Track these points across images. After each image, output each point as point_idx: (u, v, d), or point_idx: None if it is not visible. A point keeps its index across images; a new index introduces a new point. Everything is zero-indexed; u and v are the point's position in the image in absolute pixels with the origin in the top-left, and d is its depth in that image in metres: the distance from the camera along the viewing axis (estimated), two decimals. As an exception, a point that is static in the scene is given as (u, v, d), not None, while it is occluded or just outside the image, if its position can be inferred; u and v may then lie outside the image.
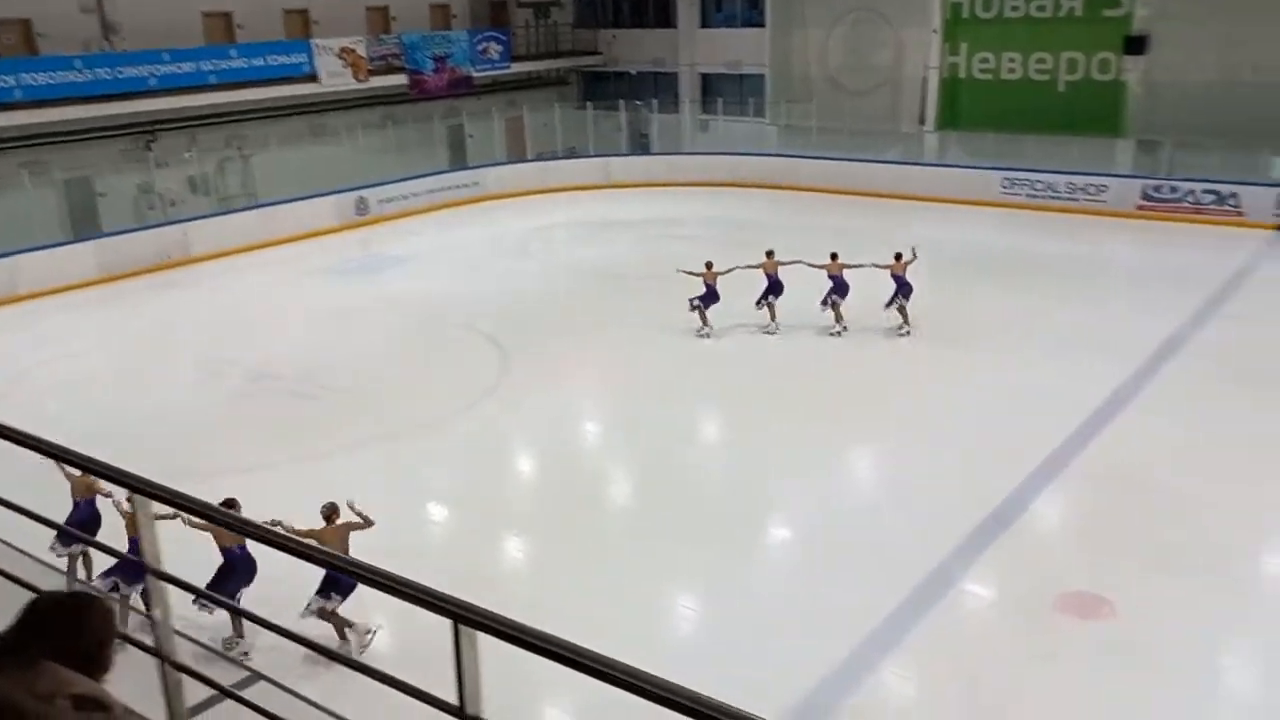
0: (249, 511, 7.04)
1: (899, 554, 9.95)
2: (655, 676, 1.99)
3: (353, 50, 28.16)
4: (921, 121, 29.78)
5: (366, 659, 8.12)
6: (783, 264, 16.67)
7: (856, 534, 10.43)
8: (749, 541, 10.60)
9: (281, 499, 9.34)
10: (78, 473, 8.43)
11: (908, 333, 16.38)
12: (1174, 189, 24.58)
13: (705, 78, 34.56)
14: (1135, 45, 25.71)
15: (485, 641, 2.16)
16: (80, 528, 8.37)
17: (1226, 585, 9.40)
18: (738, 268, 16.72)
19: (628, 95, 33.27)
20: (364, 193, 27.01)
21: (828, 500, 11.34)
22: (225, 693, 2.85)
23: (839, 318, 16.46)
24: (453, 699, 2.23)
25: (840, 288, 16.43)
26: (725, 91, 33.58)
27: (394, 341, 17.68)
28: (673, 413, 13.97)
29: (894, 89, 30.45)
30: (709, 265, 16.68)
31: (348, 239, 25.63)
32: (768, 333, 16.73)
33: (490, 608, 2.15)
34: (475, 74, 31.63)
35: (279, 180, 25.60)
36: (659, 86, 34.34)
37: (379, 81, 29.04)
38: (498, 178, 29.98)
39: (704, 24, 34.23)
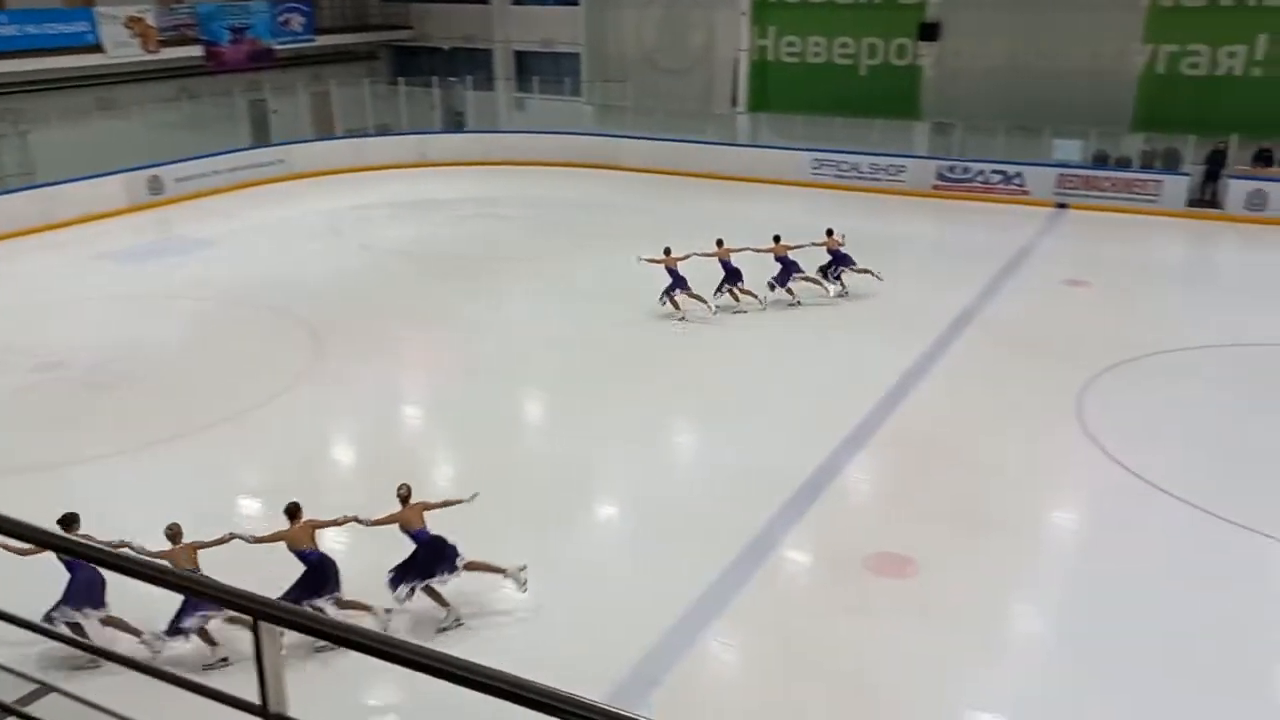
0: (36, 515, 6.53)
1: (721, 524, 10.22)
2: (472, 663, 1.92)
3: (141, 19, 26.39)
4: (734, 103, 30.47)
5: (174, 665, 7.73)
6: (734, 250, 16.94)
7: (679, 507, 10.65)
8: (575, 520, 10.65)
9: (78, 499, 8.75)
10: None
11: (845, 294, 17.47)
12: (966, 169, 26.10)
13: (519, 55, 34.25)
14: (929, 32, 27.11)
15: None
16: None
17: (1015, 541, 10.11)
18: (694, 254, 16.72)
19: (441, 72, 32.57)
20: (158, 171, 25.42)
21: (651, 476, 11.53)
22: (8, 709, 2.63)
23: (792, 292, 17.24)
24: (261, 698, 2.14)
25: (787, 268, 17.04)
26: (541, 70, 33.36)
27: (198, 328, 16.80)
28: (494, 394, 13.85)
29: (707, 70, 31.03)
30: (667, 251, 16.53)
31: (142, 220, 24.11)
32: (738, 312, 16.85)
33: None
34: (277, 47, 30.24)
35: (62, 159, 23.74)
36: (473, 63, 33.77)
37: (171, 53, 27.35)
38: (305, 156, 28.83)
39: (517, 1, 33.90)
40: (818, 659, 8.31)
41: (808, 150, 27.92)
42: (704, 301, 16.64)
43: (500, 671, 1.88)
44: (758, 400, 13.47)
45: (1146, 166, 25.21)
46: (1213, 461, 11.62)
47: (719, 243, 17.04)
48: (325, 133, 30.43)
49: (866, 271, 17.47)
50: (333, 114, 30.90)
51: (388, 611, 8.51)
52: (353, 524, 8.66)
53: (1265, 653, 8.43)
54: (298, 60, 31.30)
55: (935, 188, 26.23)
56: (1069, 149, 26.00)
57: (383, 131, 31.23)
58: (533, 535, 10.01)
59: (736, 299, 17.00)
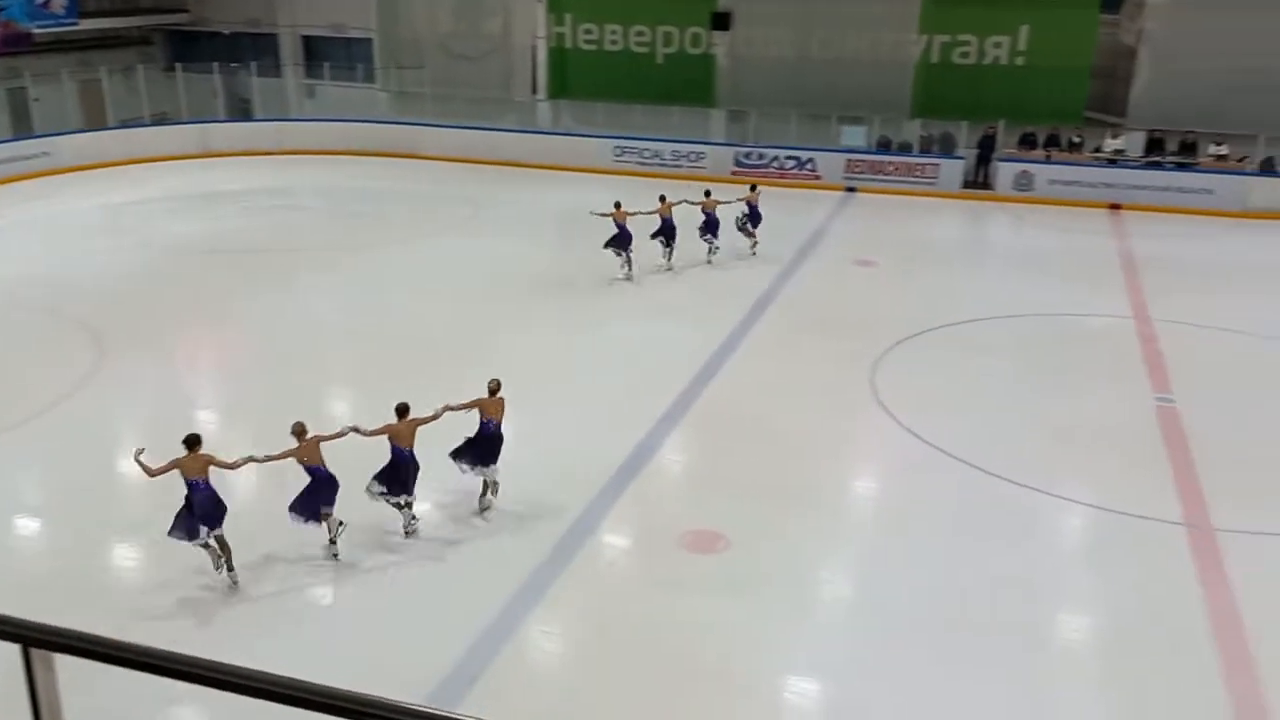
0: None
1: (541, 510, 10.19)
2: (279, 676, 1.78)
3: (-126, -3, 23.80)
4: (534, 90, 30.32)
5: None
6: (674, 204, 18.32)
7: (499, 495, 10.52)
8: (388, 514, 10.34)
9: None
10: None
11: (755, 253, 19.28)
12: (761, 155, 26.95)
13: (308, 40, 32.93)
14: (721, 21, 27.82)
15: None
16: (208, 507, 8.65)
17: (819, 510, 10.54)
18: (640, 213, 17.78)
19: (222, 57, 30.84)
20: (-98, 165, 23.08)
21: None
22: None
23: (714, 250, 18.96)
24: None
25: (711, 224, 18.66)
26: (332, 55, 32.19)
27: (-45, 336, 15.32)
28: (293, 390, 13.26)
29: (505, 57, 30.73)
30: (618, 205, 17.66)
31: (-117, 220, 21.80)
32: (666, 270, 18.29)
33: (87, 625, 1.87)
34: (35, 30, 27.90)
35: None
36: (258, 49, 32.17)
37: (-88, 35, 24.82)
38: (74, 148, 26.71)
39: (303, -17, 32.56)
40: (636, 638, 8.40)
41: (610, 138, 28.16)
42: (627, 265, 17.82)
43: (300, 681, 1.75)
44: (574, 381, 13.47)
45: (925, 151, 26.75)
46: (993, 425, 12.43)
47: (662, 199, 18.25)
48: (96, 123, 28.28)
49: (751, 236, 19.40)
50: (104, 103, 28.74)
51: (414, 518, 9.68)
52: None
53: (1048, 600, 9.09)
54: (60, 45, 28.98)
55: (734, 173, 26.91)
56: (855, 135, 27.29)
57: (160, 121, 29.38)
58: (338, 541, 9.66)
59: (668, 260, 18.48)
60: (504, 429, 10.13)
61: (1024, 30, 25.67)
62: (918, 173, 26.07)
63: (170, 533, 8.74)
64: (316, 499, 9.20)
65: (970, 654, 8.15)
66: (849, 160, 26.45)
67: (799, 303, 17.24)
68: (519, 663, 8.20)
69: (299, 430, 9.11)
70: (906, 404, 12.90)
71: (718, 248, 19.02)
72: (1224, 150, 24.76)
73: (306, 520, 9.23)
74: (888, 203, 25.06)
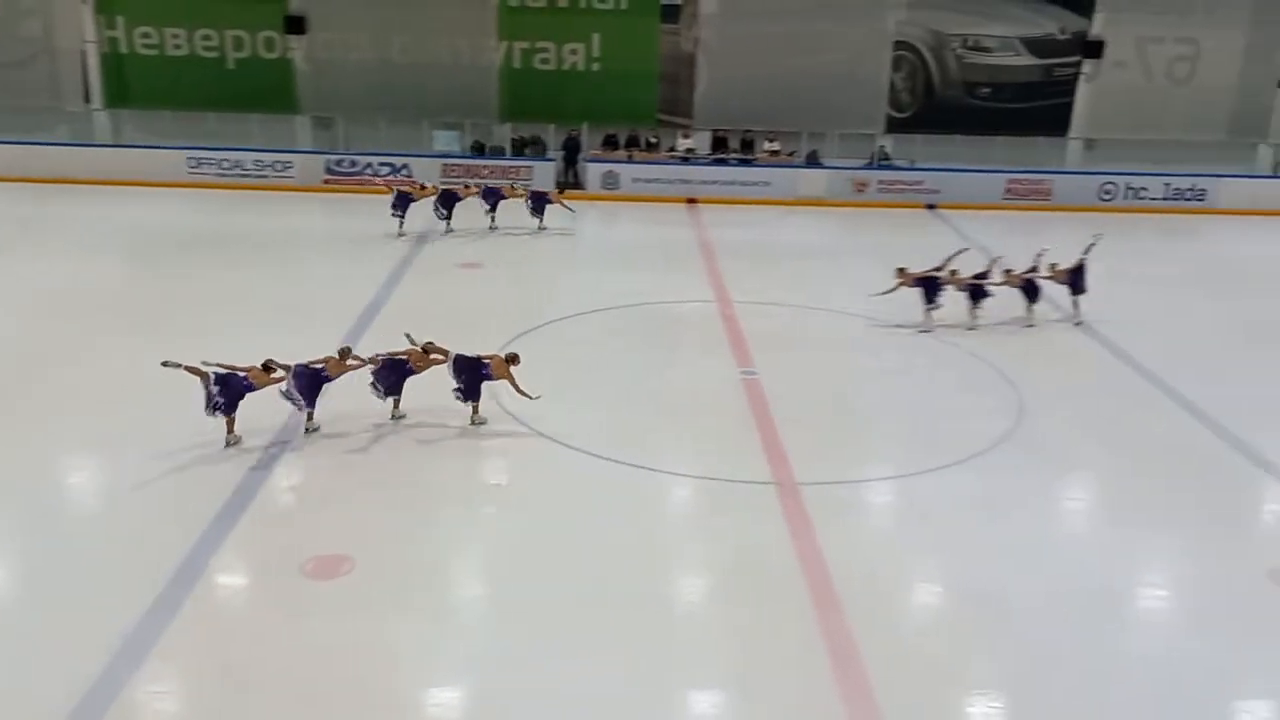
0: None
1: (143, 552, 9.26)
2: None
3: None
4: (87, 99, 27.36)
5: None
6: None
7: (87, 544, 9.40)
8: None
9: None
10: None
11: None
12: (354, 163, 26.29)
13: None
14: (295, 25, 26.65)
15: None
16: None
17: (444, 516, 10.51)
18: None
19: None
20: None
21: (48, 512, 9.99)
22: None
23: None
24: None
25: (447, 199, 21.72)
26: None
27: None
28: None
29: (50, 63, 27.43)
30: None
31: None
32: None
33: None
34: None
35: None
36: None
37: None
38: None
39: None
40: (264, 676, 7.87)
41: (182, 149, 26.16)
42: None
43: None
44: (161, 411, 12.30)
45: (518, 154, 27.48)
46: (601, 411, 13.03)
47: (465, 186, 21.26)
48: None
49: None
50: None
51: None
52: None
53: (664, 568, 9.69)
54: None
55: (326, 181, 26.08)
56: (448, 139, 27.47)
57: None
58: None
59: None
60: (82, 464, 9.05)
61: (596, 38, 27.10)
62: (512, 175, 26.68)
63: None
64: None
65: (603, 630, 8.50)
66: (445, 165, 26.52)
67: (406, 310, 17.00)
68: (129, 729, 7.40)
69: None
70: (519, 400, 13.16)
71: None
72: (776, 146, 27.80)
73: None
74: (475, 206, 25.35)
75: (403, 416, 12.42)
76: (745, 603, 9.09)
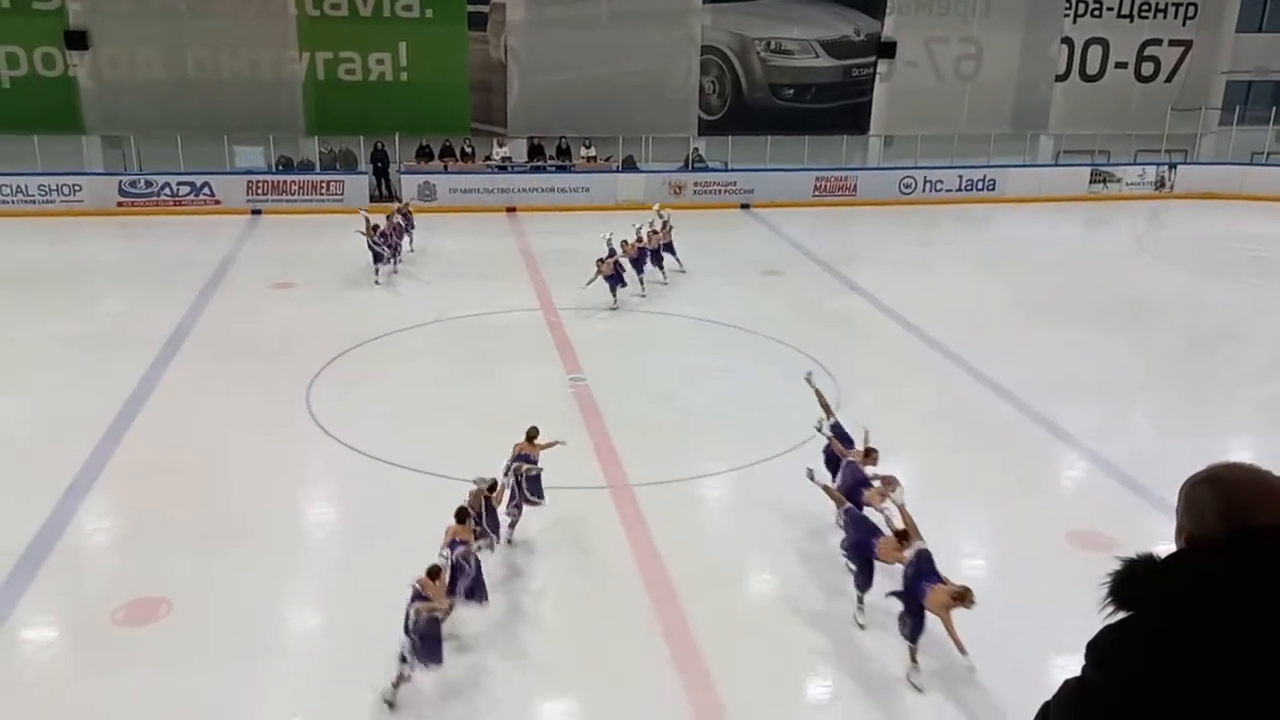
0: None
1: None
2: None
3: None
4: None
5: None
6: None
7: None
8: None
9: None
10: None
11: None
12: (149, 183, 24.94)
13: None
14: (76, 40, 25.03)
15: None
16: None
17: (271, 547, 10.05)
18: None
19: None
20: None
21: None
22: None
23: None
24: None
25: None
26: None
27: None
28: None
29: None
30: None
31: None
32: None
33: None
34: None
35: None
36: None
37: None
38: None
39: None
40: (78, 738, 7.38)
41: (-45, 176, 24.18)
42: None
43: None
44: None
45: (328, 168, 26.66)
46: (426, 425, 12.82)
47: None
48: None
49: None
50: None
51: None
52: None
53: (501, 579, 9.60)
54: None
55: (120, 204, 24.63)
56: (251, 155, 26.40)
57: None
58: None
59: None
60: None
61: (403, 47, 26.60)
62: (323, 190, 25.92)
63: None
64: None
65: (449, 640, 8.34)
66: (250, 181, 25.49)
67: (218, 334, 16.27)
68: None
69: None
70: (343, 421, 12.82)
71: None
72: (593, 152, 27.98)
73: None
74: (297, 222, 24.60)
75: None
76: (588, 600, 9.13)
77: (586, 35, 27.15)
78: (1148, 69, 30.92)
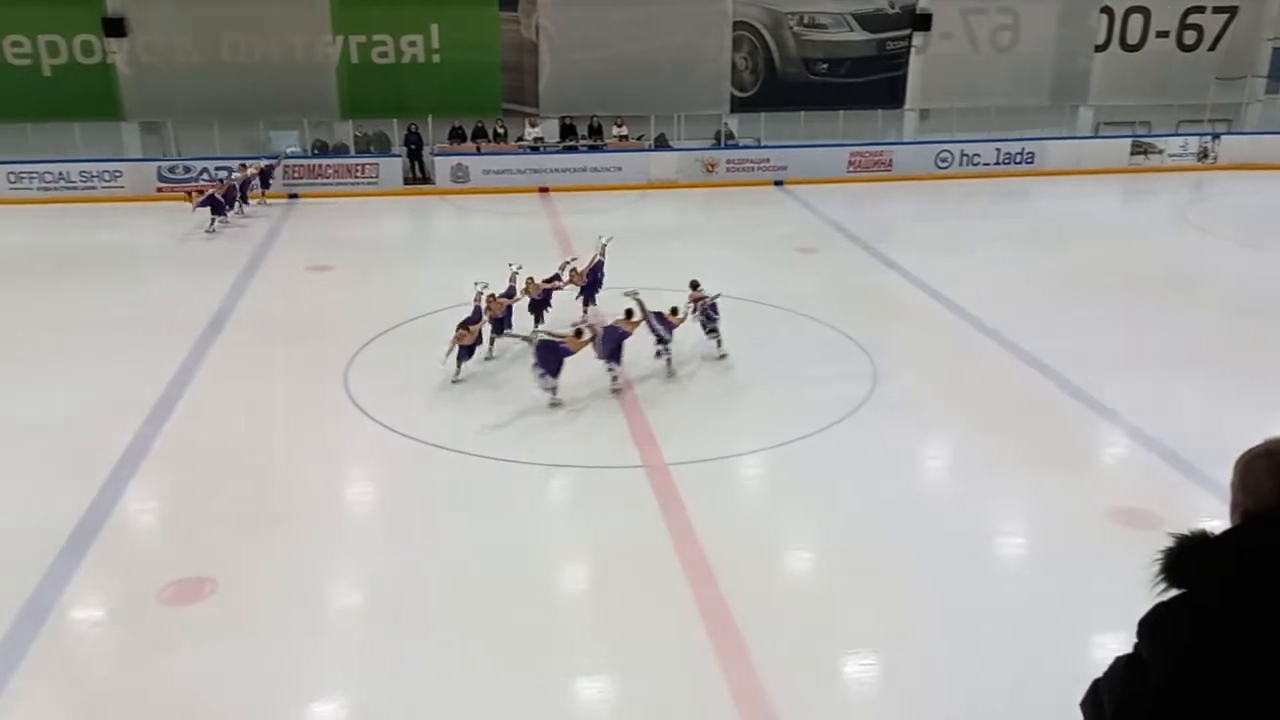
0: None
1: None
2: None
3: None
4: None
5: None
6: None
7: None
8: None
9: None
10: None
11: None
12: (188, 168, 25.19)
13: None
14: (114, 27, 25.27)
15: None
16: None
17: (313, 527, 10.16)
18: None
19: None
20: None
21: None
22: None
23: None
24: None
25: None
26: None
27: None
28: None
29: None
30: None
31: None
32: None
33: None
34: None
35: None
36: None
37: None
38: None
39: None
40: (130, 714, 7.53)
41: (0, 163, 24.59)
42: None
43: None
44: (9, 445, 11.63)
45: (362, 151, 26.81)
46: (464, 408, 12.89)
47: None
48: None
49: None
50: None
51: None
52: None
53: (543, 558, 9.66)
54: None
55: (160, 190, 24.89)
56: (287, 139, 26.57)
57: None
58: None
59: None
60: None
61: (435, 29, 26.60)
62: (358, 173, 26.06)
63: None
64: None
65: (484, 628, 8.41)
66: (286, 166, 25.68)
67: (258, 316, 16.45)
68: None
69: None
70: (382, 401, 12.93)
71: None
72: (624, 131, 27.92)
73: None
74: (333, 205, 24.76)
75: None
76: (622, 587, 9.15)
77: (617, 12, 27.00)
78: (1190, 37, 30.22)
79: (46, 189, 24.69)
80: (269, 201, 24.22)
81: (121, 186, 24.87)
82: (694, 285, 15.14)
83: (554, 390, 12.83)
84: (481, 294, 14.30)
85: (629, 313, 13.61)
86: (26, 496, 10.56)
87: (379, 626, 8.61)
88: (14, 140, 24.98)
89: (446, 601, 8.79)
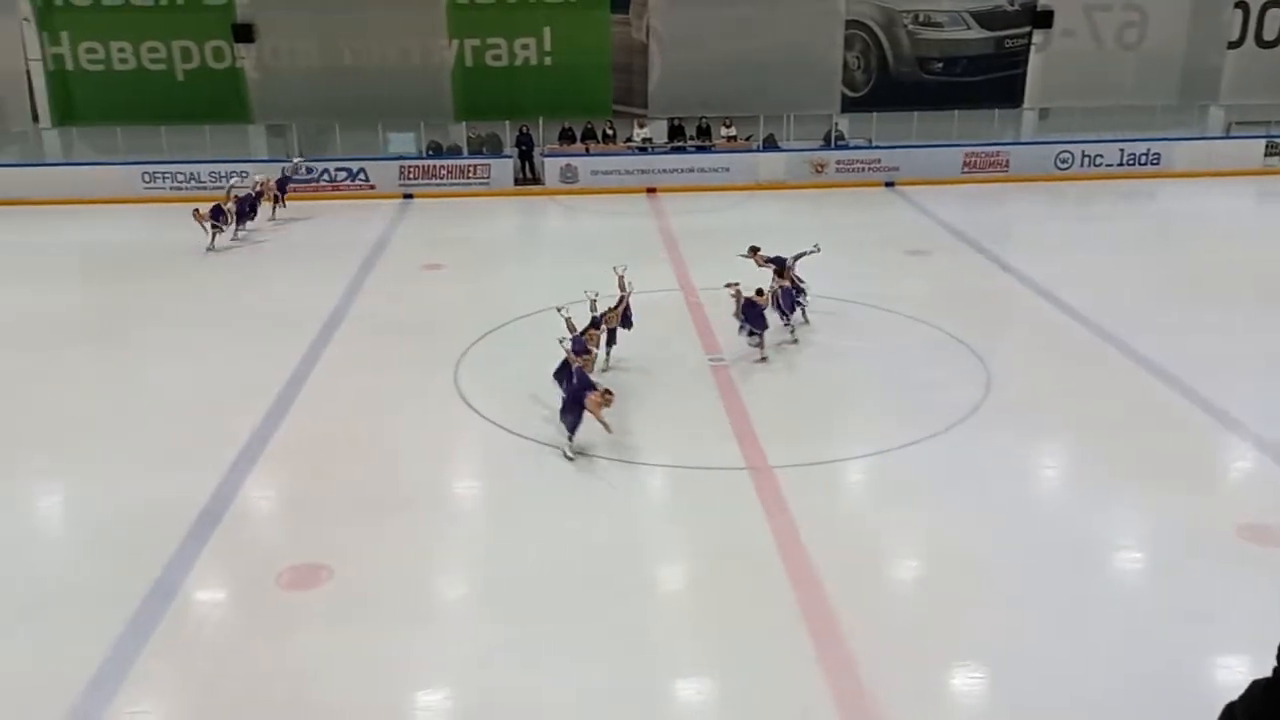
0: None
1: (107, 581, 9.14)
2: None
3: None
4: (35, 118, 26.92)
5: None
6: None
7: (47, 574, 9.29)
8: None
9: None
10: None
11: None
12: (310, 170, 26.04)
13: None
14: (243, 33, 26.30)
15: None
16: None
17: (425, 519, 10.40)
18: None
19: None
20: None
21: (11, 546, 9.87)
22: None
23: None
24: None
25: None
26: None
27: None
28: None
29: (-6, 83, 27.01)
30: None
31: None
32: None
33: None
34: None
35: None
36: None
37: None
38: None
39: None
40: (246, 695, 7.82)
41: (135, 164, 25.89)
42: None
43: None
44: (127, 434, 12.21)
45: (475, 152, 27.36)
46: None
47: None
48: None
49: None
50: None
51: None
52: None
53: (647, 557, 9.70)
54: None
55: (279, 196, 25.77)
56: (404, 141, 27.30)
57: None
58: None
59: None
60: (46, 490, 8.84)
61: (547, 32, 26.94)
62: (471, 174, 26.59)
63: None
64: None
65: (589, 624, 8.51)
66: (402, 167, 26.37)
67: (373, 314, 16.94)
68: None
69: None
70: (491, 399, 13.16)
71: None
72: (733, 131, 27.84)
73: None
74: (446, 206, 25.33)
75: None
76: (725, 588, 9.12)
77: (728, 12, 26.91)
78: (1332, 32, 28.66)
79: (178, 189, 25.83)
80: (277, 218, 23.50)
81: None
82: (754, 250, 15.05)
83: (761, 344, 14.22)
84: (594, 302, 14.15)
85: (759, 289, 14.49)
86: (155, 482, 11.06)
87: (487, 618, 8.76)
88: (148, 141, 26.29)
89: (553, 597, 8.90)
